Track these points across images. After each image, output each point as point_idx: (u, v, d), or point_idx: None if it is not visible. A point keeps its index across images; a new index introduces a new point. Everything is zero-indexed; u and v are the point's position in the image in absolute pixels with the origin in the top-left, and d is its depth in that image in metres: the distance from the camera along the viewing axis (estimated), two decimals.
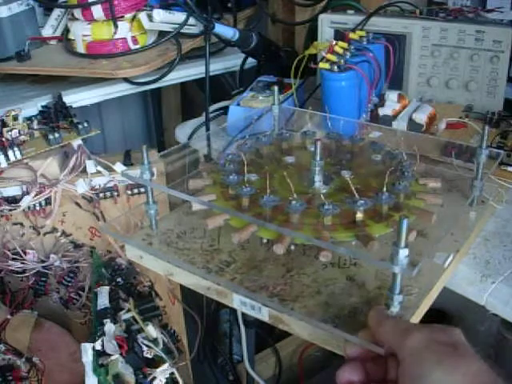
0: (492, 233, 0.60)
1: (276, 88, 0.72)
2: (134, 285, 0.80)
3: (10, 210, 0.76)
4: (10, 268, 0.78)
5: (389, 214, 0.52)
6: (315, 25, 0.94)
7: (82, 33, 0.94)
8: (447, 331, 0.38)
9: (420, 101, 0.82)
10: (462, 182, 0.63)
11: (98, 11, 0.91)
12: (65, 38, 1.00)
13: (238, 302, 0.50)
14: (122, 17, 0.93)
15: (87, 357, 0.63)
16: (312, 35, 1.01)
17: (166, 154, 0.75)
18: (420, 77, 0.86)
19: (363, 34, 0.82)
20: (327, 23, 0.91)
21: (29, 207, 0.77)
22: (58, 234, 0.82)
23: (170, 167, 0.78)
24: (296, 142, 0.69)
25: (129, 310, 0.70)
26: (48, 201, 0.77)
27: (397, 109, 0.77)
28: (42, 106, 0.89)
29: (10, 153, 0.75)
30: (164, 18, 0.92)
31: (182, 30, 0.95)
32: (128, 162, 0.82)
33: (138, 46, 0.95)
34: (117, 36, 0.93)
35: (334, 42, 0.76)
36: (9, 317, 0.75)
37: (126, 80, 0.96)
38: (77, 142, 0.80)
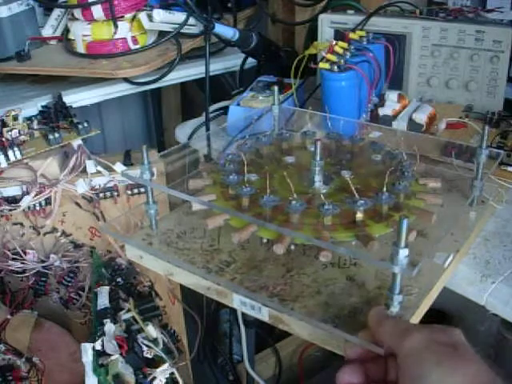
0: (492, 233, 0.60)
1: (276, 88, 0.72)
2: (134, 285, 0.80)
3: (10, 210, 0.76)
4: (10, 268, 0.78)
5: (389, 213, 0.52)
6: (315, 25, 0.94)
7: (82, 33, 0.94)
8: (447, 332, 0.38)
9: (420, 101, 0.82)
10: (462, 181, 0.63)
11: (98, 11, 0.91)
12: (65, 38, 1.00)
13: (237, 302, 0.50)
14: (122, 17, 0.93)
15: (87, 357, 0.63)
16: (312, 35, 1.01)
17: (166, 154, 0.75)
18: (420, 77, 0.86)
19: (363, 33, 0.82)
20: (327, 23, 0.91)
21: (29, 207, 0.77)
22: (58, 234, 0.82)
23: (170, 167, 0.78)
24: (296, 141, 0.69)
25: (129, 310, 0.70)
26: (48, 201, 0.78)
27: (397, 109, 0.77)
28: (42, 106, 0.89)
29: (10, 153, 0.75)
30: (164, 18, 0.92)
31: (182, 30, 0.95)
32: (128, 162, 0.82)
33: (138, 46, 0.95)
34: (117, 36, 0.93)
35: (334, 42, 0.76)
36: (9, 317, 0.75)
37: (126, 80, 0.96)
38: (77, 142, 0.80)
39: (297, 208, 0.51)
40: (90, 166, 0.78)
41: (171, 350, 0.70)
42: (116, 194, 0.80)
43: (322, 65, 0.74)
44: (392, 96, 0.78)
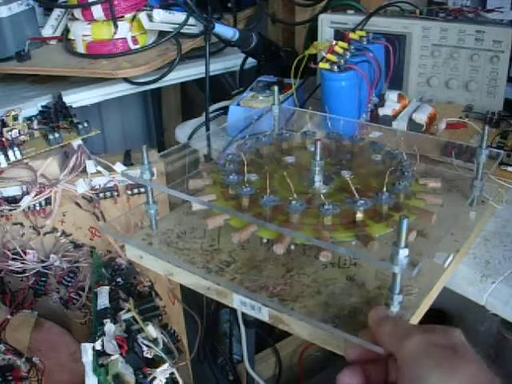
0: (492, 233, 0.60)
1: (276, 88, 0.72)
2: (134, 285, 0.80)
3: (10, 210, 0.76)
4: (10, 268, 0.78)
5: (389, 213, 0.52)
6: (315, 25, 0.94)
7: (82, 33, 0.94)
8: (447, 333, 0.38)
9: (420, 101, 0.82)
10: (462, 181, 0.63)
11: (98, 11, 0.91)
12: (65, 38, 1.00)
13: (237, 302, 0.50)
14: (122, 17, 0.93)
15: (87, 357, 0.63)
16: (312, 35, 1.01)
17: (166, 154, 0.75)
18: (420, 77, 0.86)
19: (363, 34, 0.82)
20: (327, 23, 0.91)
21: (29, 207, 0.77)
22: (58, 234, 0.82)
23: (170, 167, 0.78)
24: (296, 141, 0.69)
25: (129, 310, 0.70)
26: (48, 201, 0.78)
27: (397, 109, 0.77)
28: (42, 106, 0.89)
29: (10, 153, 0.75)
30: (164, 18, 0.92)
31: (182, 30, 0.95)
32: (128, 162, 0.82)
33: (138, 46, 0.95)
34: (117, 36, 0.93)
35: (334, 42, 0.76)
36: (9, 317, 0.75)
37: (126, 80, 0.96)
38: (77, 142, 0.80)
39: (297, 208, 0.51)
40: (90, 166, 0.78)
41: (171, 350, 0.70)
42: (116, 193, 0.80)
43: (321, 65, 0.74)
44: (392, 96, 0.78)
